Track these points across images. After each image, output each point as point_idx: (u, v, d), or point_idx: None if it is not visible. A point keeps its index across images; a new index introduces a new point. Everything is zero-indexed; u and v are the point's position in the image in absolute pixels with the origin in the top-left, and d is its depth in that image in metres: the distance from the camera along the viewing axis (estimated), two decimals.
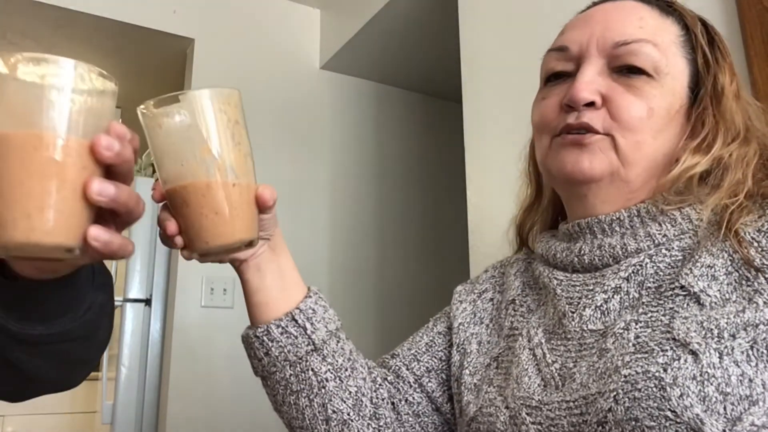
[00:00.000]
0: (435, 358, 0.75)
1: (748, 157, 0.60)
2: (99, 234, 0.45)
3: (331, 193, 2.38)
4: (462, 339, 0.72)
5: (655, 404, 0.48)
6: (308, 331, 0.67)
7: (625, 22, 0.62)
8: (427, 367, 0.74)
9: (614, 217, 0.61)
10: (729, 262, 0.55)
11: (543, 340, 0.62)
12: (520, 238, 0.79)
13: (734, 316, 0.50)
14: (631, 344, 0.54)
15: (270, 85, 2.35)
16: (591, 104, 0.61)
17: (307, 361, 0.67)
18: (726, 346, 0.49)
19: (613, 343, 0.55)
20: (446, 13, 1.84)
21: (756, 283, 0.52)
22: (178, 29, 2.28)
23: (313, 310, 0.68)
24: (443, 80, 2.43)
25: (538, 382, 0.59)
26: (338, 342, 0.70)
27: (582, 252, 0.63)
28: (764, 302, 0.51)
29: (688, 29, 0.64)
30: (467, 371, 0.68)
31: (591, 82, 0.61)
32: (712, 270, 0.55)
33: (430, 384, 0.73)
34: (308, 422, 0.69)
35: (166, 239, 0.58)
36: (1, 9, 2.15)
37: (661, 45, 0.61)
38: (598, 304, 0.60)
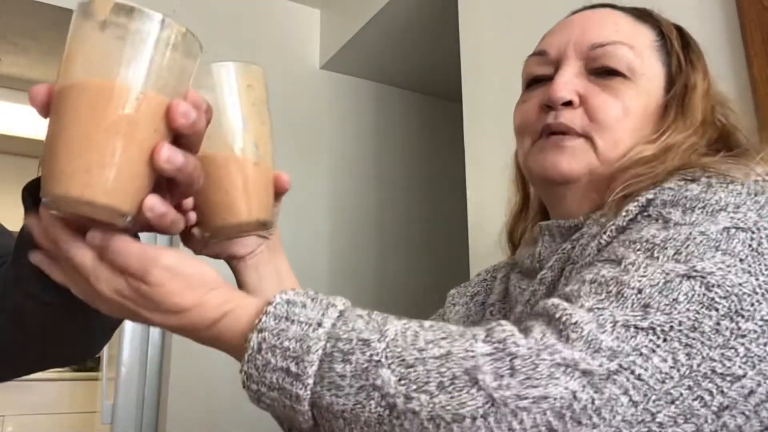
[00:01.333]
0: None
1: (695, 145, 0.60)
2: (156, 204, 0.44)
3: (331, 193, 2.38)
4: None
5: None
6: None
7: (602, 26, 0.65)
8: None
9: (572, 223, 0.62)
10: (601, 230, 0.56)
11: None
12: (512, 245, 0.80)
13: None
14: None
15: (270, 85, 2.35)
16: (569, 104, 0.62)
17: None
18: None
19: None
20: (446, 13, 1.84)
21: (606, 250, 0.52)
22: None
23: None
24: (443, 80, 2.43)
25: None
26: None
27: (541, 256, 0.64)
28: (588, 254, 0.54)
29: (664, 35, 0.66)
30: None
31: (568, 82, 0.63)
32: (593, 240, 0.55)
33: None
34: None
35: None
36: (1, 9, 2.15)
37: (637, 48, 0.63)
38: (527, 299, 0.61)
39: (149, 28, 0.43)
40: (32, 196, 0.52)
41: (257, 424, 2.11)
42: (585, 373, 0.40)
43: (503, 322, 0.44)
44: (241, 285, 0.65)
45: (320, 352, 0.43)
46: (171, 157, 0.43)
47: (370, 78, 2.56)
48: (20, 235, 0.54)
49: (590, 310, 0.43)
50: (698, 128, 0.62)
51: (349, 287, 2.34)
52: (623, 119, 0.61)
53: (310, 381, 0.43)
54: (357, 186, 2.46)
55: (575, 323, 0.42)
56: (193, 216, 0.54)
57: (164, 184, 0.45)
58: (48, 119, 0.43)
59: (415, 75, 2.53)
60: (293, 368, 0.43)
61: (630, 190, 0.56)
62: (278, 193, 0.59)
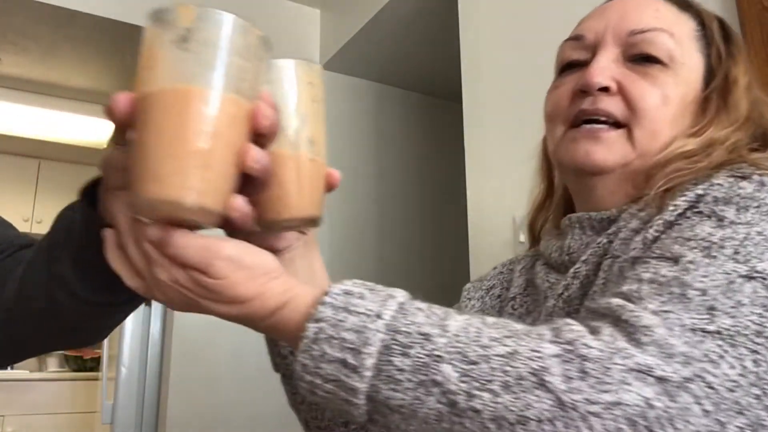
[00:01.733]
0: None
1: (739, 142, 0.59)
2: (242, 205, 0.45)
3: (331, 193, 2.38)
4: None
5: None
6: None
7: (642, 12, 0.62)
8: None
9: (604, 216, 0.61)
10: (644, 226, 0.54)
11: None
12: (533, 236, 0.78)
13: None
14: None
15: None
16: (605, 90, 0.60)
17: None
18: None
19: None
20: (446, 13, 1.84)
21: (650, 250, 0.51)
22: None
23: None
24: (443, 80, 2.43)
25: None
26: None
27: (570, 249, 0.63)
28: (633, 248, 0.51)
29: (704, 25, 0.64)
30: None
31: (606, 67, 0.60)
32: (635, 234, 0.54)
33: None
34: (327, 423, 0.67)
35: None
36: (1, 9, 2.15)
37: (677, 35, 0.61)
38: (560, 293, 0.59)
39: (231, 34, 0.44)
40: (86, 196, 0.54)
41: (257, 423, 2.11)
42: (660, 379, 0.38)
43: (570, 321, 0.43)
44: None
45: (379, 344, 0.42)
46: (259, 157, 0.44)
47: (370, 78, 2.56)
48: (53, 235, 0.56)
49: (656, 312, 0.41)
50: (742, 124, 0.60)
51: None
52: (662, 108, 0.59)
53: (368, 374, 0.41)
54: (357, 186, 2.46)
55: (646, 326, 0.40)
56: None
57: (240, 182, 0.47)
58: (134, 126, 0.44)
59: (415, 75, 2.53)
60: (350, 360, 0.42)
61: (672, 183, 0.55)
62: (327, 189, 0.59)
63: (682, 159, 0.57)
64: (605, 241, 0.58)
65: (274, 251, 0.61)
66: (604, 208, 0.62)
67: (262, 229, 0.54)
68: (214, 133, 0.42)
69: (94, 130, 3.32)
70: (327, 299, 0.44)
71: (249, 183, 0.46)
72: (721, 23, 0.66)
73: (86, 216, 0.52)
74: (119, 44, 2.42)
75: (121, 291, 0.56)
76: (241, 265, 0.45)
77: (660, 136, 0.59)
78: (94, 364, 3.62)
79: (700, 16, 0.65)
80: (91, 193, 0.54)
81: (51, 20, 2.24)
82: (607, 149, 0.60)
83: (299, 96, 0.54)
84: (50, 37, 2.42)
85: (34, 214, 3.73)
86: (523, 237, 1.35)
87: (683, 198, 0.51)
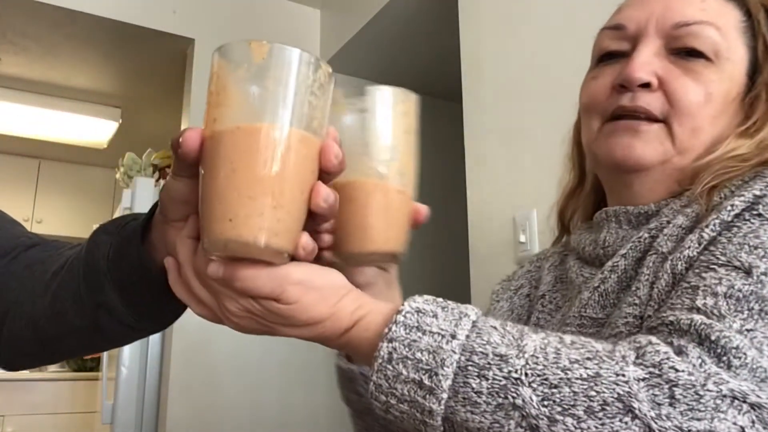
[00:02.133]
0: None
1: None
2: (309, 242, 0.44)
3: None
4: None
5: None
6: None
7: (687, 3, 0.60)
8: None
9: (642, 210, 0.59)
10: (694, 223, 0.53)
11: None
12: (562, 225, 0.76)
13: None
14: (609, 325, 0.53)
15: None
16: (646, 86, 0.58)
17: None
18: None
19: (606, 329, 0.54)
20: (446, 13, 1.84)
21: (687, 239, 0.51)
22: (178, 29, 2.28)
23: None
24: (443, 80, 2.43)
25: None
26: None
27: (606, 243, 0.61)
28: (687, 246, 0.50)
29: (750, 15, 0.61)
30: None
31: (647, 62, 0.58)
32: (683, 231, 0.53)
33: None
34: None
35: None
36: (1, 9, 2.15)
37: (723, 29, 0.59)
38: (596, 285, 0.57)
39: (303, 70, 0.43)
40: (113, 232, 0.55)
41: (257, 423, 2.11)
42: (754, 406, 0.36)
43: (654, 340, 0.41)
44: None
45: (455, 365, 0.40)
46: (328, 197, 0.44)
47: (370, 78, 2.56)
48: (91, 260, 0.56)
49: (740, 332, 0.40)
50: None
51: None
52: (704, 106, 0.57)
53: (444, 395, 0.40)
54: None
55: (737, 348, 0.39)
56: (327, 238, 0.51)
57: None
58: (203, 164, 0.44)
59: (415, 75, 2.53)
60: (426, 381, 0.41)
61: (718, 180, 0.54)
62: (413, 226, 0.56)
63: (734, 162, 0.56)
64: (647, 236, 0.56)
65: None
66: (638, 203, 0.60)
67: (340, 262, 0.53)
68: (288, 173, 0.42)
69: (94, 130, 3.31)
70: (399, 318, 0.43)
71: (312, 217, 0.46)
72: (767, 12, 0.63)
73: (138, 250, 0.53)
74: (119, 44, 2.42)
75: (167, 317, 0.59)
76: (311, 286, 0.45)
77: (701, 133, 0.57)
78: (94, 364, 3.61)
79: (746, 6, 0.62)
80: (129, 224, 0.55)
81: (51, 20, 2.24)
82: (646, 143, 0.58)
83: (393, 127, 0.52)
84: (50, 37, 2.42)
85: (34, 214, 3.73)
86: (523, 237, 1.35)
87: (741, 198, 0.49)
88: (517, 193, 1.41)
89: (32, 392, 3.47)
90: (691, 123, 0.57)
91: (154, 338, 2.20)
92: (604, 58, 0.64)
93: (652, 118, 0.58)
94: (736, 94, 0.59)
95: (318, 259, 0.54)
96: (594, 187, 0.71)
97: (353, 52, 2.35)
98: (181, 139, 0.43)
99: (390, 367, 0.42)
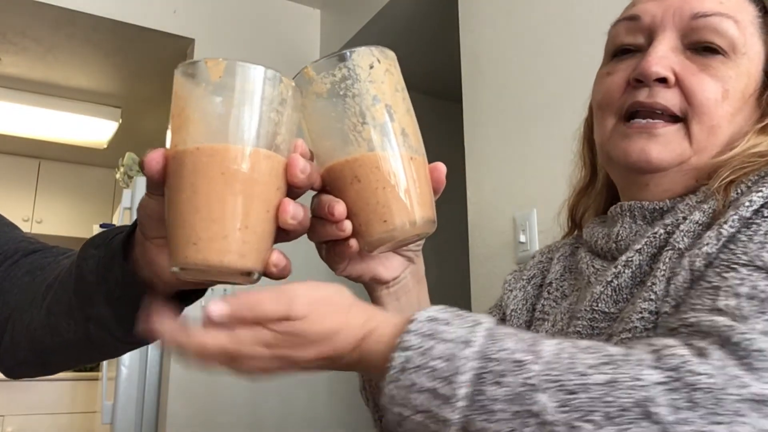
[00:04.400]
0: None
1: None
2: (280, 260, 0.44)
3: None
4: (514, 326, 0.69)
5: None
6: None
7: None
8: None
9: (657, 206, 0.58)
10: (711, 219, 0.52)
11: (566, 327, 0.60)
12: (573, 222, 0.75)
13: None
14: (621, 319, 0.52)
15: None
16: (662, 81, 0.57)
17: None
18: None
19: (617, 324, 0.53)
20: (446, 13, 1.84)
21: (705, 236, 0.50)
22: (178, 29, 2.28)
23: None
24: (443, 80, 2.43)
25: None
26: None
27: (619, 237, 0.60)
28: (705, 243, 0.49)
29: (766, 11, 0.60)
30: None
31: (664, 56, 0.57)
32: (699, 227, 0.52)
33: None
34: None
35: (325, 230, 0.49)
36: (1, 9, 2.15)
37: (741, 23, 0.58)
38: (609, 280, 0.56)
39: (261, 85, 0.42)
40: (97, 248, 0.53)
41: (257, 423, 2.11)
42: None
43: (671, 342, 0.40)
44: None
45: (471, 373, 0.39)
46: (295, 213, 0.43)
47: None
48: (81, 274, 0.55)
49: (764, 333, 0.39)
50: None
51: (349, 288, 2.33)
52: (722, 103, 0.56)
53: (461, 404, 0.39)
54: None
55: (759, 350, 0.38)
56: (348, 225, 0.48)
57: (277, 233, 0.45)
58: (167, 185, 0.43)
59: (415, 75, 2.53)
60: (441, 390, 0.39)
61: (735, 175, 0.53)
62: (435, 191, 0.52)
63: (753, 158, 0.55)
64: (662, 232, 0.55)
65: (380, 281, 0.57)
66: (653, 200, 0.59)
67: (368, 248, 0.50)
68: (251, 193, 0.41)
69: (94, 130, 3.31)
70: (412, 327, 0.42)
71: (282, 233, 0.45)
72: None
73: (121, 266, 0.52)
74: (119, 44, 2.42)
75: None
76: (317, 298, 0.43)
77: (719, 132, 0.56)
78: (95, 364, 3.61)
79: (762, 1, 0.61)
80: (114, 237, 0.54)
81: (51, 20, 2.24)
82: (663, 146, 0.56)
83: (381, 86, 0.48)
84: (50, 37, 2.42)
85: (34, 214, 3.73)
86: (523, 237, 1.35)
87: (759, 194, 0.49)
88: (517, 193, 1.41)
89: (32, 392, 3.47)
90: (709, 121, 0.56)
91: None
92: (618, 52, 0.62)
93: (671, 115, 0.57)
94: (753, 91, 0.58)
95: (334, 253, 0.52)
96: (606, 184, 0.70)
97: None
98: (144, 160, 0.43)
99: (403, 377, 0.40)
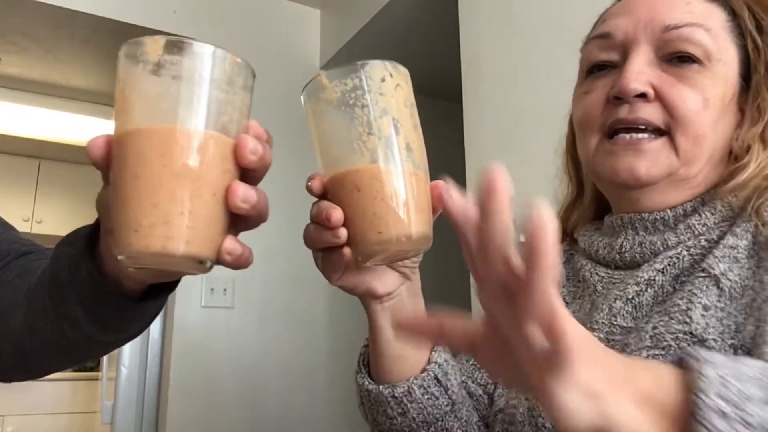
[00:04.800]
0: None
1: None
2: (234, 247, 0.42)
3: None
4: None
5: None
6: (449, 391, 0.60)
7: (672, 7, 0.59)
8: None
9: (658, 216, 0.59)
10: (752, 244, 0.52)
11: None
12: (564, 233, 0.74)
13: (749, 307, 0.49)
14: (648, 336, 0.52)
15: (270, 85, 2.35)
16: (642, 96, 0.57)
17: (443, 420, 0.61)
18: (739, 339, 0.47)
19: (634, 337, 0.53)
20: (446, 13, 1.84)
21: (767, 262, 0.50)
22: (178, 29, 2.27)
23: (446, 361, 0.61)
24: (443, 80, 2.43)
25: None
26: (462, 390, 0.64)
27: (623, 248, 0.60)
28: None
29: (735, 14, 0.61)
30: None
31: (641, 72, 0.57)
32: (735, 251, 0.52)
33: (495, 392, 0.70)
34: None
35: (321, 236, 0.48)
36: (1, 9, 2.15)
37: (712, 30, 0.58)
38: (630, 297, 0.56)
39: (204, 63, 0.40)
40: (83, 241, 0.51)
41: (257, 423, 2.11)
42: None
43: None
44: (377, 331, 0.58)
45: None
46: (246, 196, 0.41)
47: None
48: (56, 272, 0.53)
49: None
50: None
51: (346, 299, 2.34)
52: (703, 112, 0.56)
53: None
54: None
55: None
56: (344, 233, 0.47)
57: (231, 218, 0.43)
58: (110, 170, 0.41)
59: (415, 75, 2.53)
60: None
61: (763, 198, 0.54)
62: (434, 209, 0.51)
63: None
64: (685, 253, 0.55)
65: (374, 296, 0.56)
66: (646, 210, 0.60)
67: (362, 259, 0.49)
68: (194, 175, 0.39)
69: (94, 130, 3.31)
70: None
71: (241, 219, 0.43)
72: (751, 10, 0.62)
73: (87, 264, 0.50)
74: (119, 44, 2.42)
75: (130, 328, 0.56)
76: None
77: (704, 141, 0.56)
78: (94, 364, 3.62)
79: (729, 5, 0.61)
80: (90, 232, 0.52)
81: (51, 20, 2.24)
82: (652, 162, 0.56)
83: (389, 100, 0.48)
84: (50, 37, 2.42)
85: (34, 214, 3.73)
86: (523, 237, 1.35)
87: None
88: (516, 193, 1.41)
89: (32, 392, 3.48)
90: (693, 132, 0.56)
91: (154, 338, 2.20)
92: (593, 69, 0.63)
93: (654, 130, 0.57)
94: (731, 95, 0.59)
95: (329, 261, 0.51)
96: (594, 196, 0.70)
97: (353, 52, 2.35)
98: (86, 146, 0.41)
99: (728, 385, 0.33)
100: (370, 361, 0.61)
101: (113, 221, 0.40)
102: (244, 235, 0.44)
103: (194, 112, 0.39)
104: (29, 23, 2.30)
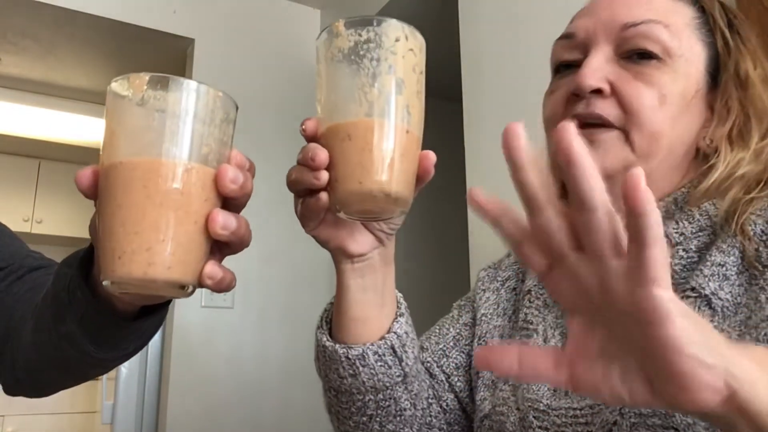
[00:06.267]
0: (462, 353, 0.71)
1: None
2: (215, 272, 0.44)
3: None
4: (484, 331, 0.70)
5: (660, 421, 0.47)
6: (403, 362, 0.61)
7: (633, 5, 0.60)
8: (455, 364, 0.71)
9: None
10: (740, 260, 0.52)
11: (559, 344, 0.60)
12: None
13: (744, 325, 0.48)
14: None
15: (270, 85, 2.35)
16: (599, 92, 0.57)
17: (392, 390, 0.61)
18: None
19: None
20: (446, 13, 1.84)
21: (761, 280, 0.50)
22: (178, 29, 2.28)
23: (407, 333, 0.62)
24: (443, 80, 2.43)
25: (547, 386, 0.58)
26: (417, 364, 0.65)
27: None
28: (766, 299, 0.48)
29: (705, 11, 0.61)
30: None
31: (598, 68, 0.58)
32: (724, 269, 0.52)
33: (458, 383, 0.70)
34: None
35: (303, 177, 0.48)
36: (1, 9, 2.15)
37: (673, 26, 0.58)
38: None
39: (187, 98, 0.43)
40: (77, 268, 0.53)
41: (257, 423, 2.11)
42: None
43: None
44: (344, 291, 0.59)
45: None
46: (225, 223, 0.43)
47: None
48: (56, 292, 0.55)
49: None
50: None
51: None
52: (659, 109, 0.56)
53: None
54: None
55: None
56: (325, 175, 0.48)
57: (215, 243, 0.45)
58: (97, 200, 0.43)
59: None
60: None
61: (745, 213, 0.53)
62: (419, 179, 0.51)
63: (740, 182, 0.55)
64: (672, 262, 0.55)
65: (346, 254, 0.56)
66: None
67: (338, 207, 0.49)
68: (175, 205, 0.41)
69: (94, 130, 3.31)
70: None
71: (224, 245, 0.45)
72: (723, 7, 0.62)
73: (81, 285, 0.52)
74: (119, 44, 2.42)
75: (127, 346, 0.58)
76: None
77: (661, 137, 0.57)
78: None
79: (699, 2, 0.61)
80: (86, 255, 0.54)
81: (51, 20, 2.24)
82: (604, 152, 0.57)
83: (397, 59, 0.48)
84: (50, 37, 2.42)
85: (34, 214, 3.73)
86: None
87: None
88: (517, 193, 1.41)
89: None
90: (648, 128, 0.56)
91: (154, 338, 2.20)
92: (559, 69, 0.64)
93: (607, 125, 0.57)
94: (695, 92, 0.58)
95: (307, 208, 0.51)
96: None
97: None
98: (75, 176, 0.44)
99: None
100: (333, 318, 0.62)
101: (99, 248, 0.43)
102: None
103: (176, 145, 0.42)
104: (29, 23, 2.30)
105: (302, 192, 0.50)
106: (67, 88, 2.98)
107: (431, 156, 0.51)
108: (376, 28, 0.49)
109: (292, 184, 0.50)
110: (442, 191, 2.65)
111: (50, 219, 3.73)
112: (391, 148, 0.47)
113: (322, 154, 0.47)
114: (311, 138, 0.50)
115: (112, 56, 2.57)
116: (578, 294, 0.35)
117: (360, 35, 0.48)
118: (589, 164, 0.34)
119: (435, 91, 2.95)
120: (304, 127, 0.50)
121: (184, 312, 2.09)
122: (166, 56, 2.42)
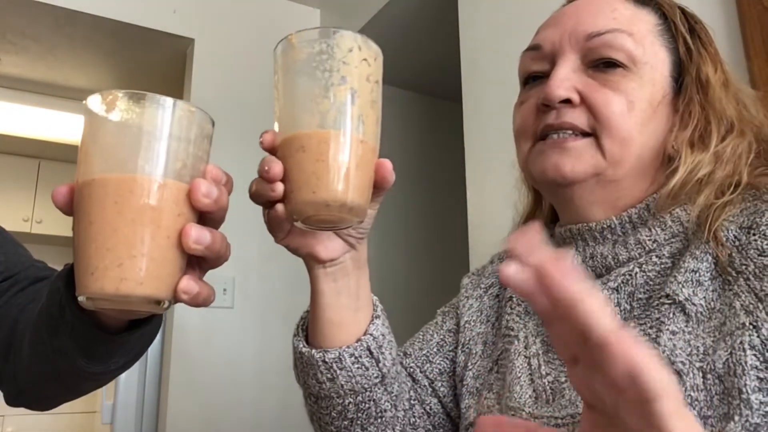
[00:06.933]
0: (446, 359, 0.72)
1: (742, 149, 0.58)
2: (190, 287, 0.44)
3: None
4: (468, 338, 0.70)
5: None
6: (380, 363, 0.61)
7: (597, 15, 0.60)
8: (439, 370, 0.71)
9: (605, 225, 0.59)
10: (713, 266, 0.53)
11: (540, 351, 0.61)
12: None
13: (718, 331, 0.49)
14: None
15: (270, 85, 2.34)
16: (568, 102, 0.58)
17: (371, 391, 0.62)
18: (708, 362, 0.48)
19: None
20: (446, 13, 1.84)
21: (735, 286, 0.50)
22: (178, 29, 2.28)
23: (383, 335, 0.62)
24: (443, 80, 2.43)
25: (529, 393, 0.58)
26: (396, 366, 0.65)
27: (575, 261, 0.61)
28: (741, 305, 0.49)
29: (667, 18, 0.62)
30: (470, 373, 0.67)
31: (565, 78, 0.59)
32: (697, 275, 0.53)
33: (442, 388, 0.71)
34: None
35: (261, 189, 0.49)
36: (1, 9, 2.15)
37: (637, 34, 0.59)
38: None
39: (160, 114, 0.43)
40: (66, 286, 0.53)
41: (257, 423, 2.11)
42: None
43: None
44: (318, 295, 0.59)
45: None
46: (199, 238, 0.43)
47: None
48: (50, 306, 0.55)
49: None
50: (739, 130, 0.58)
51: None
52: (628, 115, 0.57)
53: None
54: None
55: None
56: (280, 187, 0.48)
57: (193, 258, 0.46)
58: (73, 216, 0.43)
59: (415, 75, 2.53)
60: None
61: (717, 218, 0.54)
62: (377, 187, 0.51)
63: (702, 184, 0.56)
64: (637, 270, 0.57)
65: (317, 259, 0.57)
66: (586, 217, 0.61)
67: (295, 216, 0.49)
68: (147, 220, 0.41)
69: None
70: None
71: (202, 259, 0.45)
72: (684, 13, 0.63)
73: (69, 300, 0.52)
74: (119, 44, 2.42)
75: (118, 359, 0.58)
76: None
77: (631, 143, 0.57)
78: None
79: (661, 9, 0.62)
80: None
81: (51, 20, 2.24)
82: (576, 159, 0.58)
83: (350, 70, 0.49)
84: (50, 37, 2.42)
85: (34, 214, 3.73)
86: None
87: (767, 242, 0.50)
88: (516, 193, 1.41)
89: None
90: (618, 134, 0.57)
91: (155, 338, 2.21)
92: (528, 80, 0.65)
93: (579, 132, 0.58)
94: (661, 97, 0.59)
95: (273, 219, 0.52)
96: (551, 205, 0.72)
97: None
98: (52, 194, 0.44)
99: None
100: (308, 325, 0.62)
101: (75, 264, 0.43)
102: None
103: (148, 161, 0.42)
104: (29, 23, 2.30)
105: (263, 204, 0.51)
106: (67, 88, 2.97)
107: (387, 164, 0.51)
108: (328, 39, 0.49)
109: (253, 196, 0.51)
110: (442, 191, 2.65)
111: (50, 219, 3.73)
112: (344, 158, 0.48)
113: (276, 167, 0.48)
114: (269, 150, 0.50)
115: (112, 56, 2.57)
116: (593, 397, 0.32)
117: (313, 47, 0.49)
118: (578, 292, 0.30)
119: (435, 91, 2.95)
120: (261, 139, 0.50)
121: (184, 312, 2.09)
122: (166, 56, 2.42)
